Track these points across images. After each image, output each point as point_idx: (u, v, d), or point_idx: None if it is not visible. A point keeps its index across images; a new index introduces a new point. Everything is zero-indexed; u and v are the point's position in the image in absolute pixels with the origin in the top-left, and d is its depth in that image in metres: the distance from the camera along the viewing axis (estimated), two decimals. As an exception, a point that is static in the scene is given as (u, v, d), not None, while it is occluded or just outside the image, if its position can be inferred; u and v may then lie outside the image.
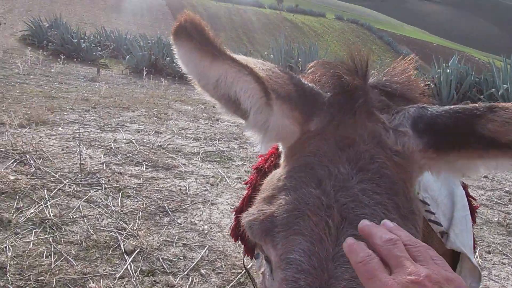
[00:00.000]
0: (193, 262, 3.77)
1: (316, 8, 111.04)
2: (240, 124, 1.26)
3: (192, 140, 7.48)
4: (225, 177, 5.86)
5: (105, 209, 4.45)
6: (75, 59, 19.72)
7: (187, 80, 1.23)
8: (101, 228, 4.10)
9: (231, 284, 3.58)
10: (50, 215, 4.14)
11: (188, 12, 1.13)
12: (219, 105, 1.23)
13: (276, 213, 1.09)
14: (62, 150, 5.97)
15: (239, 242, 1.99)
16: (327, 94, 1.28)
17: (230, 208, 4.86)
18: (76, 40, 21.39)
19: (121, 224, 4.20)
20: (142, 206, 4.61)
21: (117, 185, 5.05)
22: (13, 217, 4.02)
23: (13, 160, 5.25)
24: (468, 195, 1.81)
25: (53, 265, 3.43)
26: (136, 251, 3.79)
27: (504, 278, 4.16)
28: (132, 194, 4.90)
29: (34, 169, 5.10)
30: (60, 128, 7.03)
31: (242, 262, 3.16)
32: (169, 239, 4.09)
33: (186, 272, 3.63)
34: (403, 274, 0.79)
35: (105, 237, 3.95)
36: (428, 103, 1.29)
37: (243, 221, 1.17)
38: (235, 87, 1.16)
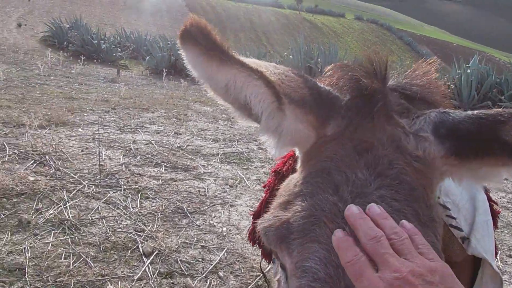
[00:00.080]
0: (211, 265, 3.75)
1: (336, 8, 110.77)
2: (255, 128, 1.23)
3: (211, 141, 7.47)
4: (244, 178, 5.84)
5: (123, 211, 4.45)
6: (95, 60, 19.85)
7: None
8: (120, 230, 4.10)
9: (249, 287, 3.55)
10: (69, 216, 4.15)
11: (194, 16, 1.09)
12: (232, 109, 1.20)
13: (292, 219, 1.05)
14: (82, 151, 5.99)
15: (257, 246, 1.96)
16: (344, 97, 1.24)
17: (249, 210, 4.83)
18: (96, 41, 21.54)
19: (139, 226, 4.19)
20: (161, 208, 4.61)
21: (136, 187, 5.05)
22: (32, 218, 4.03)
23: (33, 161, 5.27)
24: (489, 200, 1.76)
25: (71, 267, 3.43)
26: (155, 253, 3.78)
27: (527, 282, 4.09)
28: (151, 196, 4.89)
29: (53, 170, 5.12)
30: (80, 129, 7.05)
31: (259, 266, 3.13)
32: (188, 241, 4.08)
33: (204, 275, 3.61)
34: (388, 271, 0.83)
35: (124, 239, 3.95)
36: (449, 107, 1.25)
37: (258, 227, 1.14)
38: (245, 92, 1.12)
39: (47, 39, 24.44)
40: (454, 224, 1.50)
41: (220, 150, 6.96)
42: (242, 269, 3.77)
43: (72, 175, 5.07)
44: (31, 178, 4.74)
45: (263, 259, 2.00)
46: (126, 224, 4.21)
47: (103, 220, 4.22)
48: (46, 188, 4.61)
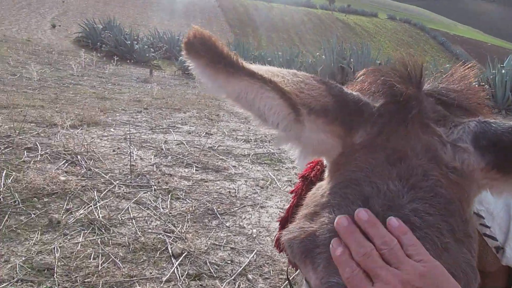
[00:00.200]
0: (241, 267, 3.71)
1: (368, 8, 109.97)
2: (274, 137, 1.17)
3: (243, 141, 7.43)
4: (275, 179, 5.78)
5: (153, 211, 4.43)
6: (128, 61, 20.03)
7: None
8: (149, 230, 4.08)
9: (279, 290, 3.51)
10: (99, 217, 4.15)
11: (196, 28, 1.03)
12: (252, 117, 1.14)
13: (318, 232, 0.99)
14: (113, 151, 6.00)
15: (284, 253, 1.91)
16: (376, 104, 1.17)
17: (280, 211, 4.78)
18: (129, 42, 21.74)
19: (169, 227, 4.17)
20: (191, 209, 4.58)
21: (167, 187, 5.04)
22: (63, 218, 4.03)
23: (65, 161, 5.30)
24: None
25: (100, 267, 3.41)
26: (184, 255, 3.75)
27: None
28: (181, 196, 4.87)
29: (85, 170, 5.13)
30: (112, 129, 7.08)
31: (286, 273, 3.07)
32: (217, 243, 4.04)
33: (233, 277, 3.57)
34: (380, 284, 0.87)
35: (153, 240, 3.93)
36: (488, 115, 1.18)
37: (283, 238, 1.07)
38: (258, 104, 1.07)
39: (81, 40, 24.81)
40: (488, 233, 1.43)
41: (251, 150, 6.91)
42: (271, 271, 3.71)
43: (103, 175, 5.08)
44: (62, 178, 4.76)
45: (290, 266, 1.94)
46: (156, 225, 4.19)
47: (133, 220, 4.21)
48: (77, 188, 4.62)
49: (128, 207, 4.43)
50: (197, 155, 6.28)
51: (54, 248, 3.58)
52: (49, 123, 6.72)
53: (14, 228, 3.79)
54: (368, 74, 1.24)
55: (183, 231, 4.12)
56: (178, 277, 3.45)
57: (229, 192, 5.17)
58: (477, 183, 1.08)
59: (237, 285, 3.48)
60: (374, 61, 16.93)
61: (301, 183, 1.69)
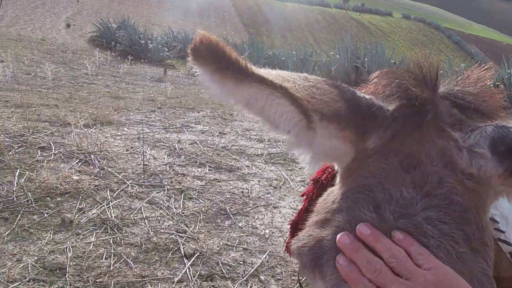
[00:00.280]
0: (253, 268, 3.68)
1: (383, 7, 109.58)
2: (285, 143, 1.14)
3: (256, 141, 7.40)
4: (289, 180, 5.75)
5: (166, 211, 4.42)
6: (142, 60, 20.09)
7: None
8: (162, 230, 4.07)
9: (291, 292, 3.48)
10: (111, 216, 4.14)
11: (203, 33, 1.00)
12: (262, 123, 1.11)
13: (327, 238, 0.96)
14: (127, 150, 6.00)
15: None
16: (390, 107, 1.14)
17: (293, 212, 4.75)
18: (143, 41, 21.79)
19: (181, 227, 4.16)
20: (203, 209, 4.56)
21: (180, 187, 5.02)
22: (75, 217, 4.03)
23: (78, 160, 5.30)
24: None
25: (112, 267, 3.41)
26: (196, 255, 3.74)
27: None
28: (194, 196, 4.86)
29: (98, 169, 5.14)
30: (125, 129, 7.09)
31: (298, 276, 3.04)
32: (230, 243, 4.02)
33: (245, 278, 3.54)
34: None
35: (165, 240, 3.91)
36: (506, 119, 1.14)
37: (292, 247, 1.04)
38: (268, 110, 1.03)
39: (95, 39, 24.92)
40: (502, 238, 1.38)
41: (264, 150, 6.88)
42: (283, 273, 3.68)
43: (116, 174, 5.07)
44: (75, 177, 4.76)
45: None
46: (168, 225, 4.18)
47: (146, 220, 4.20)
48: (90, 187, 4.62)
49: (140, 207, 4.42)
50: (211, 154, 6.26)
51: (66, 247, 3.57)
52: (63, 122, 6.74)
53: (27, 227, 3.80)
54: (382, 77, 1.20)
55: (195, 231, 4.11)
56: (190, 278, 3.44)
57: (242, 192, 5.15)
58: (494, 190, 1.05)
59: (249, 286, 3.46)
60: (389, 61, 16.85)
61: (312, 186, 1.66)
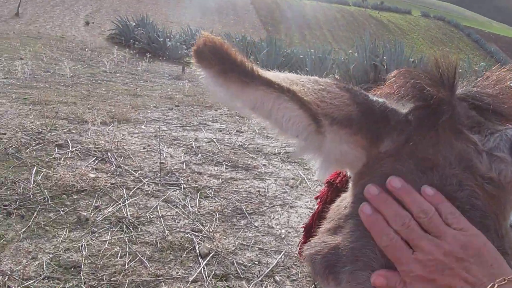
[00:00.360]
0: (268, 268, 3.65)
1: (402, 5, 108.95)
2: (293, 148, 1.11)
3: (273, 140, 7.36)
4: (305, 179, 5.71)
5: (182, 210, 4.41)
6: (160, 58, 20.15)
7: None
8: (177, 229, 4.05)
9: (307, 293, 3.45)
10: (127, 215, 4.14)
11: (207, 35, 0.96)
12: (270, 127, 1.07)
13: (341, 245, 0.92)
14: (144, 148, 6.00)
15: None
16: (404, 109, 1.09)
17: (309, 211, 4.71)
18: (162, 39, 21.85)
19: (197, 226, 4.14)
20: (219, 208, 4.54)
21: (196, 185, 5.01)
22: (91, 215, 4.03)
23: (95, 158, 5.31)
24: None
25: (126, 266, 3.40)
26: (211, 254, 3.71)
27: None
28: (210, 195, 4.84)
29: (114, 167, 5.14)
30: (142, 126, 7.10)
31: (312, 280, 3.01)
32: (245, 243, 3.99)
33: (260, 278, 3.51)
34: (421, 254, 0.85)
35: (181, 239, 3.90)
36: None
37: (304, 253, 1.00)
38: (275, 115, 0.99)
39: (114, 37, 25.06)
40: None
41: (281, 149, 6.84)
42: (299, 273, 3.65)
43: (133, 172, 5.07)
44: (92, 175, 4.76)
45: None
46: (184, 224, 4.17)
47: (161, 219, 4.19)
48: (106, 185, 4.62)
49: (156, 205, 4.41)
50: (227, 153, 6.24)
51: (81, 245, 3.57)
52: (81, 120, 6.76)
53: (43, 225, 3.80)
54: (398, 77, 1.15)
55: (211, 231, 4.09)
56: (204, 277, 3.42)
57: (259, 191, 5.12)
58: None
59: (264, 287, 3.43)
60: (407, 59, 16.68)
61: (326, 189, 1.62)
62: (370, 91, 1.14)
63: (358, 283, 0.87)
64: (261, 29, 54.35)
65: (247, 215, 4.48)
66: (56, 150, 5.35)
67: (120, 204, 4.31)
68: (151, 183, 4.87)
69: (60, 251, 3.47)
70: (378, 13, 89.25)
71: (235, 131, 7.61)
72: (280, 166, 6.10)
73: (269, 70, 1.06)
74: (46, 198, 4.18)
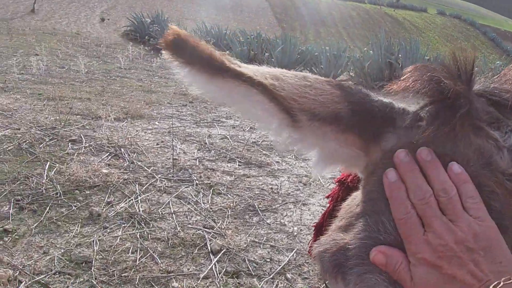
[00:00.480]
0: (280, 266, 3.63)
1: (418, 2, 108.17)
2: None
3: (287, 136, 7.32)
4: (319, 176, 5.68)
5: (194, 206, 4.40)
6: (175, 54, 20.14)
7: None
8: (189, 226, 4.04)
9: (318, 291, 3.42)
10: (139, 210, 4.14)
11: (174, 28, 0.99)
12: (242, 117, 1.06)
13: (351, 243, 0.89)
14: (157, 144, 6.00)
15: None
16: (418, 103, 1.05)
17: (322, 209, 4.68)
18: (177, 36, 21.85)
19: (209, 222, 4.12)
20: (232, 204, 4.53)
21: (209, 182, 5.00)
22: (103, 211, 4.04)
23: (108, 153, 5.32)
24: None
25: (137, 262, 3.39)
26: (222, 251, 3.70)
27: None
28: (222, 192, 4.82)
29: (127, 163, 5.14)
30: (156, 122, 7.10)
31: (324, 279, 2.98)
32: (257, 240, 3.97)
33: (271, 276, 3.50)
34: (433, 236, 0.83)
35: (192, 235, 3.89)
36: None
37: (313, 252, 0.98)
38: (246, 107, 1.00)
39: (129, 33, 25.09)
40: None
41: (295, 146, 6.80)
42: (310, 271, 3.62)
43: (146, 168, 5.07)
44: (105, 171, 4.77)
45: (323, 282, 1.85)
46: (196, 220, 4.15)
47: (173, 215, 4.18)
48: (119, 181, 4.62)
49: (169, 201, 4.40)
50: (241, 150, 6.22)
51: (93, 241, 3.58)
52: (95, 116, 6.78)
53: (55, 220, 3.81)
54: (414, 71, 1.11)
55: (223, 227, 4.07)
56: (215, 274, 3.40)
57: (271, 188, 5.09)
58: None
59: (275, 284, 3.41)
60: (423, 57, 16.55)
61: (337, 188, 1.60)
62: (385, 87, 1.11)
63: (365, 285, 0.84)
64: (276, 26, 54.25)
65: (260, 212, 4.46)
66: (69, 146, 5.36)
67: (132, 200, 4.31)
68: (163, 179, 4.87)
69: (71, 246, 3.48)
70: (394, 10, 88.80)
71: (248, 127, 7.58)
72: (293, 163, 6.08)
73: (284, 68, 1.06)
74: (58, 193, 4.19)
